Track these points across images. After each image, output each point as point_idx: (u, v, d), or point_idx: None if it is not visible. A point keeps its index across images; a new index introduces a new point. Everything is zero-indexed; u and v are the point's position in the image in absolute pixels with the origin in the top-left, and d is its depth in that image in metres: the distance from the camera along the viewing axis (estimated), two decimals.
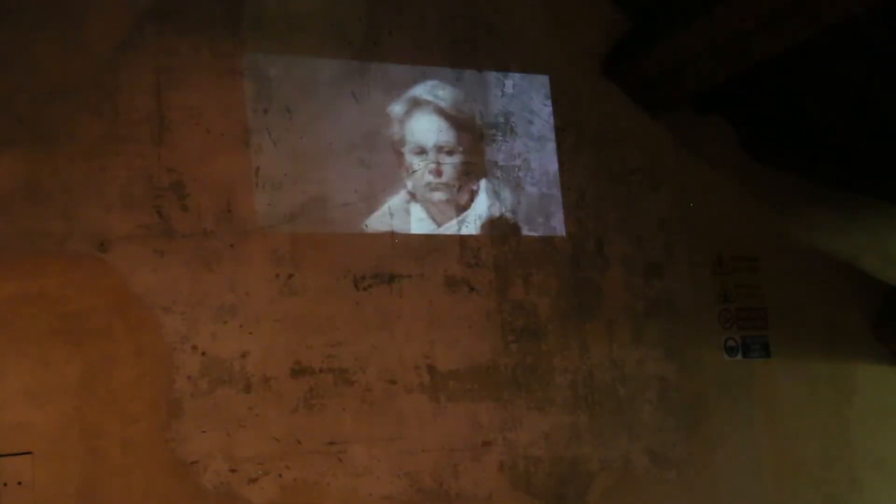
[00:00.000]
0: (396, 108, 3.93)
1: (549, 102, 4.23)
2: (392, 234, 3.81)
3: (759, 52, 3.93)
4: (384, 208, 3.81)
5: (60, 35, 3.40)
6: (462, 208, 3.97)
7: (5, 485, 3.04)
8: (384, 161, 3.87)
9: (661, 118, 4.48)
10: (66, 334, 3.21)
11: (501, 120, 4.13)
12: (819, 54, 4.19)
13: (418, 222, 3.87)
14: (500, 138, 4.12)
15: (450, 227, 3.93)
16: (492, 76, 4.15)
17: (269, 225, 3.60)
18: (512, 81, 4.19)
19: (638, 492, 4.07)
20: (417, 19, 4.04)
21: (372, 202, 3.81)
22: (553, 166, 4.19)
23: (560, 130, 4.23)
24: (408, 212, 3.85)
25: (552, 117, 4.23)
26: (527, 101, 4.20)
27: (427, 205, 3.90)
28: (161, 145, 3.47)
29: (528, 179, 4.14)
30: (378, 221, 3.79)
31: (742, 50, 3.93)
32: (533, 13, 4.28)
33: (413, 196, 3.89)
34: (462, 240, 3.94)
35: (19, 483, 3.05)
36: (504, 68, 4.18)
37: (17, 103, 3.30)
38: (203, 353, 3.40)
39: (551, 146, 4.21)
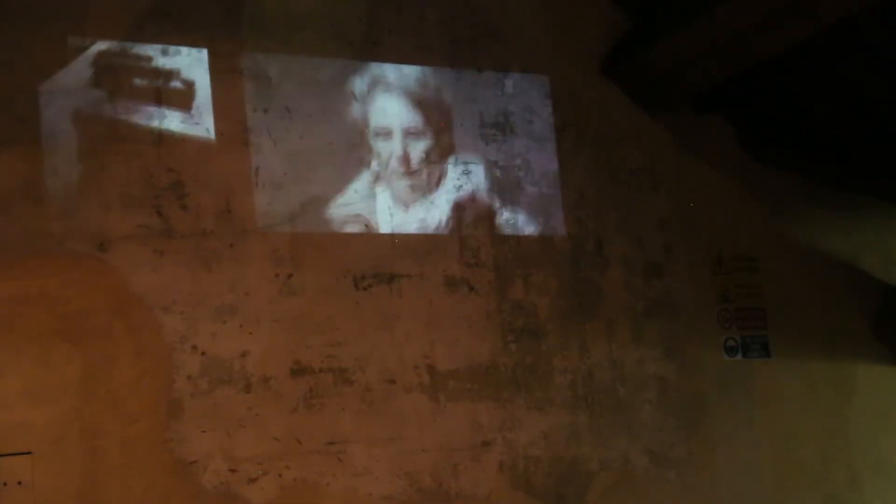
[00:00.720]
0: (360, 88, 3.86)
1: (548, 102, 4.23)
2: (392, 234, 3.81)
3: (759, 52, 3.94)
4: (349, 192, 3.75)
5: (60, 35, 3.39)
6: (430, 190, 3.93)
7: (5, 485, 3.04)
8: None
9: (661, 118, 4.47)
10: (65, 334, 3.20)
11: (501, 119, 4.13)
12: (819, 54, 4.19)
13: (385, 206, 3.82)
14: (500, 138, 4.12)
15: (417, 209, 3.89)
16: (492, 76, 4.15)
17: (269, 225, 3.60)
18: (512, 81, 4.18)
19: (637, 492, 4.07)
20: (417, 19, 4.04)
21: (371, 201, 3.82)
22: (553, 166, 4.19)
23: (560, 130, 4.23)
24: (373, 195, 3.82)
25: (552, 117, 4.23)
26: (526, 101, 4.20)
27: (394, 190, 3.86)
28: (160, 145, 3.47)
29: (528, 179, 4.14)
30: (342, 206, 3.74)
31: (742, 50, 3.94)
32: (533, 13, 4.28)
33: (378, 178, 3.84)
34: (462, 239, 3.94)
35: (19, 483, 3.04)
36: (504, 68, 4.17)
37: (17, 103, 3.29)
38: (203, 353, 3.40)
39: (551, 146, 4.21)
